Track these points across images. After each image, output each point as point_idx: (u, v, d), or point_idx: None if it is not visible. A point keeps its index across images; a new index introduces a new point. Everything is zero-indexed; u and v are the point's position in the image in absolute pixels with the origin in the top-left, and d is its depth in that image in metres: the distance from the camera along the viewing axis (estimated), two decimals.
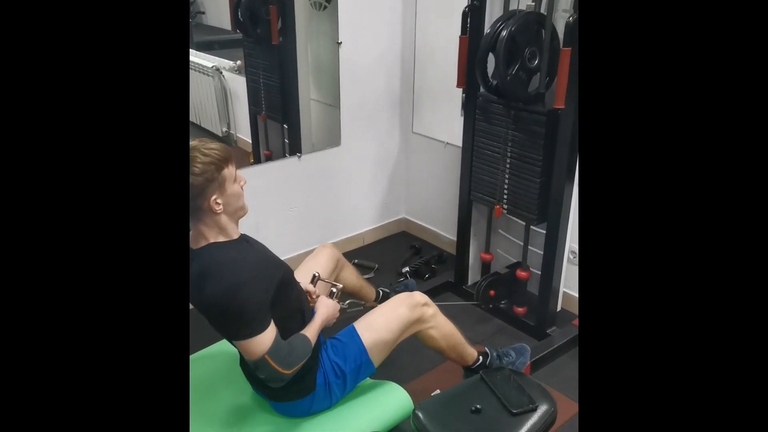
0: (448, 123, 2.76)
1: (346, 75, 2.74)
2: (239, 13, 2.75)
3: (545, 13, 2.10)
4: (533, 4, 2.15)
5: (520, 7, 2.17)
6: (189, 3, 2.75)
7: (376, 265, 2.88)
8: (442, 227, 3.05)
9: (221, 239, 1.53)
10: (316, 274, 1.92)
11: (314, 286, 1.87)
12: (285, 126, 2.84)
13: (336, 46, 2.68)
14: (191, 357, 2.10)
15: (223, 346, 2.07)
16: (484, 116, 2.33)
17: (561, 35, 1.98)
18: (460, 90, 2.50)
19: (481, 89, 2.26)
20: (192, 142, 1.46)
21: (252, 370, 1.56)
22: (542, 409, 1.48)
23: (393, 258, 2.96)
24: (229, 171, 1.49)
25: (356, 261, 2.78)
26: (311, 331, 1.66)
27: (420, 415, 1.47)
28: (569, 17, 1.91)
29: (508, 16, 2.09)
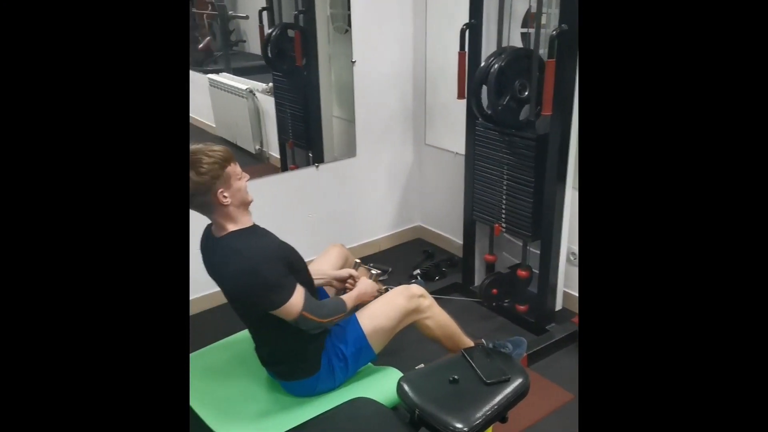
0: (456, 134, 2.92)
1: (360, 91, 2.97)
2: (269, 50, 3.05)
3: (533, 49, 2.27)
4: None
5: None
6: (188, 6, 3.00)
7: (390, 269, 3.04)
8: (454, 233, 3.19)
9: (237, 227, 1.76)
10: (358, 261, 2.25)
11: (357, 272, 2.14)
12: (309, 153, 3.10)
13: (351, 65, 2.91)
14: (214, 345, 2.32)
15: (242, 335, 2.28)
16: (482, 141, 2.53)
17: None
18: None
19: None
20: (197, 146, 1.69)
21: (295, 327, 1.78)
22: (515, 381, 1.62)
23: (407, 262, 3.13)
24: (233, 169, 1.72)
25: (371, 264, 2.95)
26: (346, 297, 1.91)
27: (404, 385, 1.63)
28: (553, 31, 2.08)
29: (499, 52, 2.30)
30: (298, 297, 1.72)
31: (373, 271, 2.15)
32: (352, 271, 2.13)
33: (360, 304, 1.99)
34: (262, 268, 1.68)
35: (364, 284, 2.03)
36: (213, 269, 1.84)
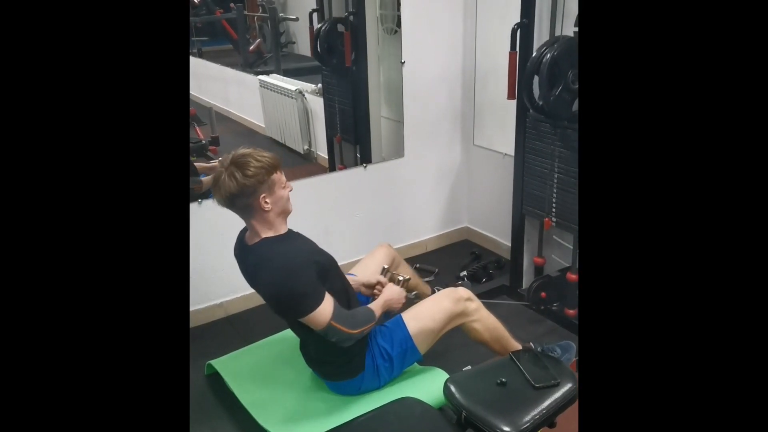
0: (506, 135, 2.89)
1: (409, 92, 2.97)
2: (318, 45, 3.08)
3: None
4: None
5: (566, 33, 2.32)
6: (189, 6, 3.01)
7: (436, 270, 3.03)
8: (501, 234, 3.16)
9: (271, 234, 1.78)
10: (385, 267, 2.20)
11: (385, 278, 2.13)
12: (357, 152, 3.13)
13: (401, 66, 2.92)
14: (260, 342, 2.36)
15: (287, 333, 2.31)
16: (533, 134, 2.49)
17: None
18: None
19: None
20: (247, 150, 1.72)
21: (323, 337, 1.77)
22: (565, 386, 1.58)
23: (453, 263, 3.11)
24: (278, 177, 1.73)
25: (417, 265, 2.95)
26: (374, 305, 1.90)
27: (451, 386, 1.62)
28: None
29: (552, 41, 2.25)
30: (326, 306, 1.71)
31: (400, 277, 2.11)
32: (380, 278, 2.12)
33: (390, 311, 1.98)
34: (291, 277, 1.69)
35: (391, 291, 2.01)
36: (248, 276, 1.86)
